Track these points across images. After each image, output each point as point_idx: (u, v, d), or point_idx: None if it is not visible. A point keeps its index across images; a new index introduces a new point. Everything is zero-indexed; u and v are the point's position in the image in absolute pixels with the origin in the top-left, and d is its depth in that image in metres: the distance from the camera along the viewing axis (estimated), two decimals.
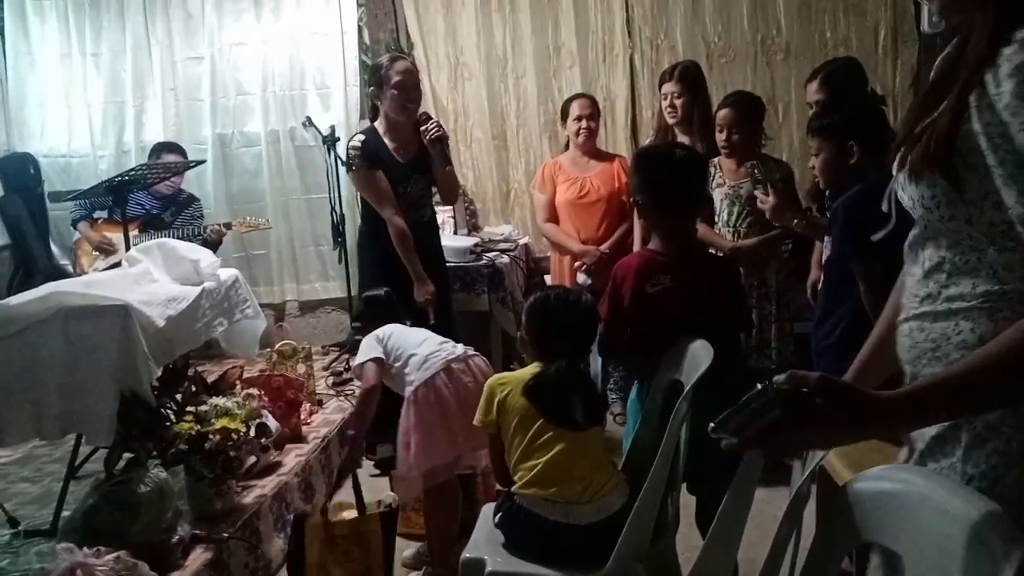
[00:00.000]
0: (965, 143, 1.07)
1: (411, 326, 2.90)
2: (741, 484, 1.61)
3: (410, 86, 3.47)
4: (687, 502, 2.21)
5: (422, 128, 3.48)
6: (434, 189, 3.75)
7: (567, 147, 4.17)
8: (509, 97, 5.08)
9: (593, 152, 4.10)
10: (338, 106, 5.11)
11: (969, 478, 1.09)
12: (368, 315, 2.99)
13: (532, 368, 2.13)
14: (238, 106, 5.21)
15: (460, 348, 2.72)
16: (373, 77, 3.57)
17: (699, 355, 1.92)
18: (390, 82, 3.44)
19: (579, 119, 3.98)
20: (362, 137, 3.55)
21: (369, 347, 2.75)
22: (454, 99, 5.08)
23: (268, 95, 5.16)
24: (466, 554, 2.01)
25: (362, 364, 2.73)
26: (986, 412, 1.08)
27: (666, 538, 1.96)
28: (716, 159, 3.41)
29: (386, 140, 3.54)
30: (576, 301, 2.19)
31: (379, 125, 3.58)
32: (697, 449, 1.94)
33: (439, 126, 3.48)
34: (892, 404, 1.05)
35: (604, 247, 3.91)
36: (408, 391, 2.64)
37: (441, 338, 2.78)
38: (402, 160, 3.53)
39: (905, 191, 1.19)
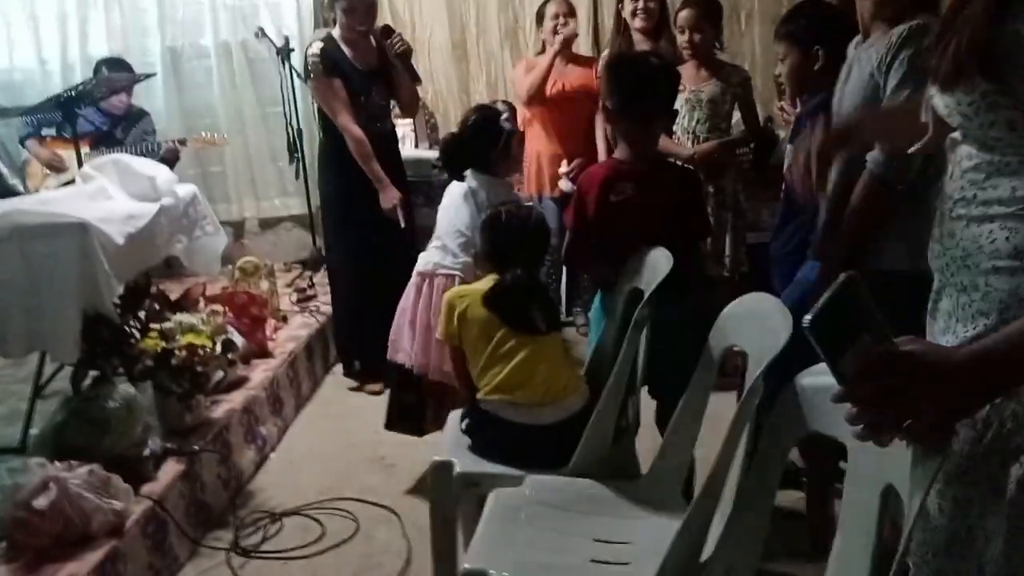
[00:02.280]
0: (1008, 43, 1.02)
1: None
2: (697, 386, 1.68)
3: (360, 10, 3.41)
4: (649, 405, 2.30)
5: (387, 42, 3.43)
6: (392, 102, 3.72)
7: (542, 50, 4.07)
8: (468, 4, 4.96)
9: (570, 56, 4.01)
10: (291, 16, 4.97)
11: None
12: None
13: (488, 280, 2.18)
14: (187, 18, 5.04)
15: (430, 262, 2.74)
16: None
17: (658, 263, 1.97)
18: (340, 3, 3.41)
19: (556, 17, 3.88)
20: (320, 45, 3.48)
21: None
22: (411, 8, 4.96)
23: (218, 4, 4.99)
24: (435, 457, 2.08)
25: None
26: None
27: (626, 438, 2.05)
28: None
29: (344, 48, 3.48)
30: (527, 215, 2.26)
31: (336, 32, 3.52)
32: (656, 353, 2.00)
33: (403, 40, 3.43)
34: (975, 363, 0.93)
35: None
36: None
37: (437, 237, 2.79)
38: (362, 68, 3.49)
39: (940, 99, 1.13)
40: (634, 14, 3.61)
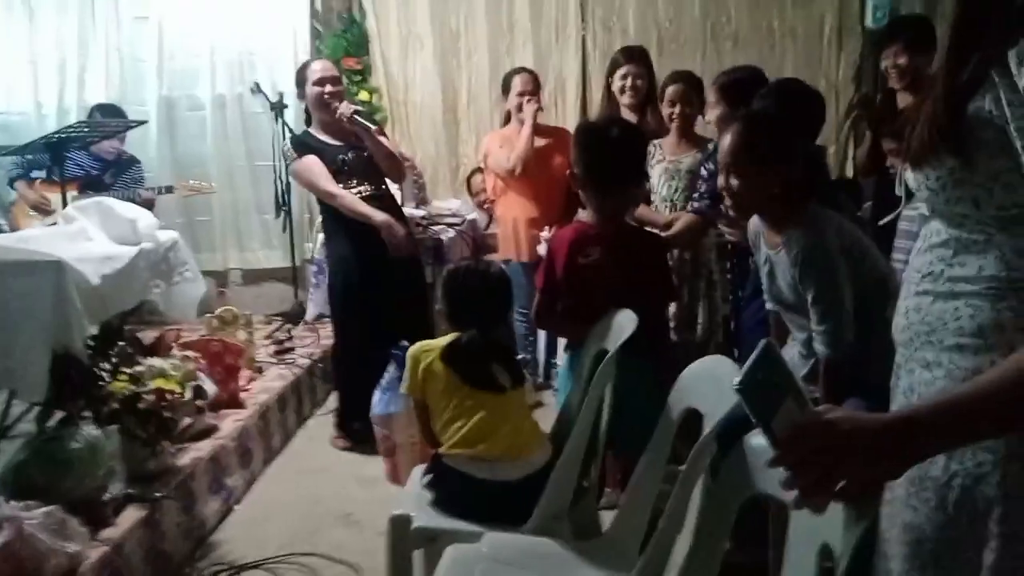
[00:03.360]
0: (975, 121, 1.02)
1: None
2: (657, 446, 1.68)
3: (328, 80, 3.58)
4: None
5: (335, 111, 3.53)
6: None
7: (507, 121, 4.18)
8: (461, 72, 5.09)
9: (537, 127, 4.10)
10: (287, 73, 5.03)
11: (952, 474, 1.05)
12: None
13: (451, 336, 2.19)
14: (185, 69, 5.14)
15: None
16: (297, 78, 3.68)
17: (623, 324, 2.00)
18: (310, 80, 3.56)
19: (521, 94, 4.00)
20: (292, 136, 3.70)
21: None
22: (405, 70, 5.08)
23: (216, 59, 5.10)
24: (393, 511, 2.06)
25: None
26: (1003, 435, 0.99)
27: (588, 498, 2.04)
28: (657, 140, 3.50)
29: (317, 134, 3.63)
30: (485, 272, 2.27)
31: (312, 128, 3.68)
32: (620, 414, 2.01)
33: (346, 104, 3.58)
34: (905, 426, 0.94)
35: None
36: None
37: None
38: (335, 143, 3.61)
39: (910, 175, 1.15)
40: (622, 91, 3.72)
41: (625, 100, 3.73)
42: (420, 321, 3.65)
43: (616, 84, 3.75)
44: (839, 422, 0.93)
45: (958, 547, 1.05)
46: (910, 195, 1.27)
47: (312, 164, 3.53)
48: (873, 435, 0.93)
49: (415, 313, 3.67)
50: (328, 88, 3.56)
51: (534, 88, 4.03)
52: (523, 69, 4.19)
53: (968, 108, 1.03)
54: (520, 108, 3.99)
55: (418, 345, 2.23)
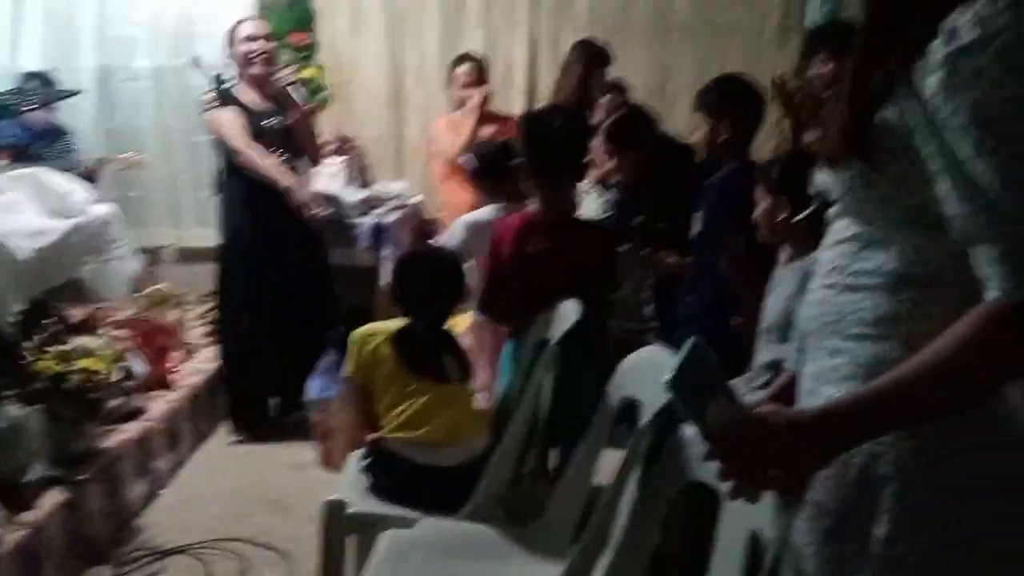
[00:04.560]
0: (883, 129, 1.06)
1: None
2: (593, 434, 1.69)
3: (260, 37, 3.53)
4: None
5: (275, 77, 3.51)
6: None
7: (459, 106, 4.16)
8: (409, 52, 5.03)
9: (485, 115, 4.09)
10: None
11: (852, 453, 1.07)
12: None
13: (400, 320, 2.16)
14: (124, 39, 4.97)
15: None
16: (228, 38, 3.59)
17: (567, 313, 2.00)
18: (240, 37, 3.51)
19: (464, 86, 4.01)
20: (218, 84, 3.52)
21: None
22: (352, 49, 5.00)
23: (157, 31, 4.95)
24: (327, 497, 2.03)
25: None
26: (915, 424, 1.05)
27: (526, 485, 2.04)
28: None
29: (243, 94, 3.52)
30: (441, 260, 2.25)
31: (238, 88, 3.56)
32: (560, 402, 2.02)
33: (287, 72, 3.54)
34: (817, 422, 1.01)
35: None
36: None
37: None
38: (257, 107, 3.51)
39: (821, 175, 1.20)
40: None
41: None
42: (321, 305, 3.63)
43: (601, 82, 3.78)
44: (768, 416, 0.98)
45: (854, 520, 1.10)
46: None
47: (231, 117, 3.43)
48: (800, 428, 0.99)
49: (316, 297, 3.62)
50: (259, 44, 3.49)
51: (477, 79, 4.03)
52: (467, 57, 4.18)
53: (875, 117, 1.08)
54: (463, 103, 3.99)
55: (364, 328, 2.19)
